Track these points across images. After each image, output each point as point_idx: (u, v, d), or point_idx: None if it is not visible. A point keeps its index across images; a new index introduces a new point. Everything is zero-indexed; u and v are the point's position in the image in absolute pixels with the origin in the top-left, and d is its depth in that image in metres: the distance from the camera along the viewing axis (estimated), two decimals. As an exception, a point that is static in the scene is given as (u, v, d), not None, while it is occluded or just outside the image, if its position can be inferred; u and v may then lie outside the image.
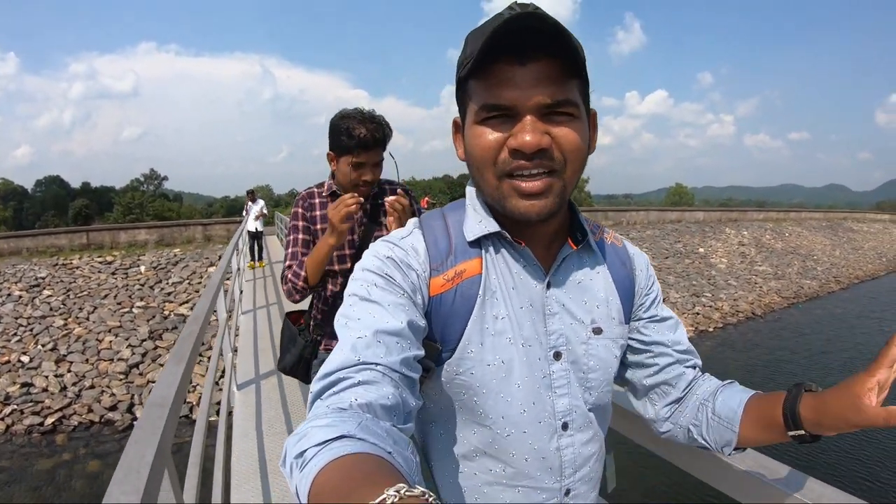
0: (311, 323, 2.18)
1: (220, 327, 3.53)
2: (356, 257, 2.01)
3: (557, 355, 0.88)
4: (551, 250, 0.90)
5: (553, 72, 0.75)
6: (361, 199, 1.88)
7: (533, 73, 0.74)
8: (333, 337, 1.27)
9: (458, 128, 0.89)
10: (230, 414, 3.07)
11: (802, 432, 0.80)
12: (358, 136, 1.98)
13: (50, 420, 9.51)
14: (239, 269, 7.83)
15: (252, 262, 12.53)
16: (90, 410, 9.72)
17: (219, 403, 3.24)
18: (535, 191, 0.78)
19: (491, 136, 0.78)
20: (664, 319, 1.00)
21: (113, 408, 9.77)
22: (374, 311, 0.76)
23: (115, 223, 29.00)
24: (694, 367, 1.00)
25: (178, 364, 1.65)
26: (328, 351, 1.97)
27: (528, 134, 0.74)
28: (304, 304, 2.24)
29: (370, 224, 2.13)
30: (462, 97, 0.84)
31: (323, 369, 0.70)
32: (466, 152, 0.85)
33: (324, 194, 2.14)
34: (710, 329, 16.35)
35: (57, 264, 15.35)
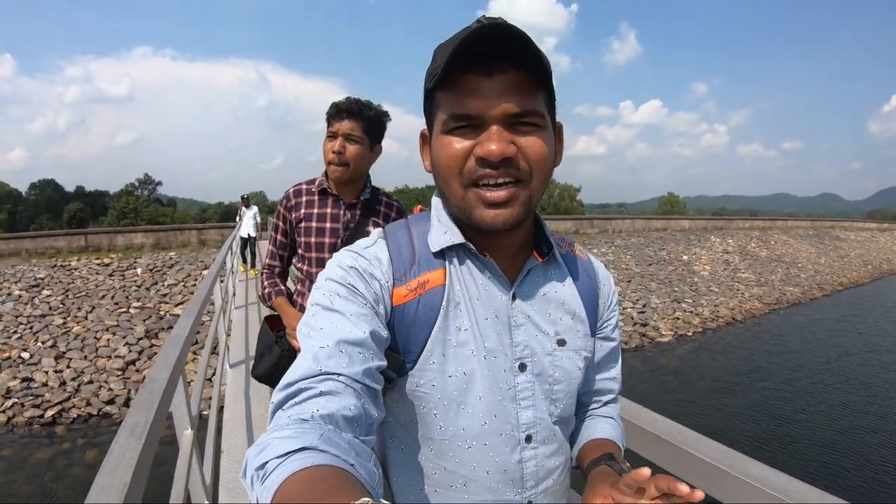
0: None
1: (216, 312, 4.00)
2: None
3: (522, 367, 0.88)
4: (516, 262, 0.91)
5: (519, 82, 0.76)
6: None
7: (499, 83, 0.76)
8: None
9: (426, 139, 0.90)
10: (221, 410, 3.40)
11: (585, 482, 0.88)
12: (331, 108, 2.02)
13: (50, 413, 9.86)
14: (232, 268, 8.28)
15: (244, 266, 12.82)
16: (88, 404, 10.10)
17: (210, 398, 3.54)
18: (499, 200, 0.78)
19: (458, 145, 0.79)
20: (612, 343, 1.03)
21: (110, 402, 10.16)
22: (336, 320, 0.76)
23: (110, 227, 29.30)
24: (607, 401, 1.06)
25: (175, 346, 1.93)
26: None
27: (493, 143, 0.75)
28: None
29: (357, 228, 2.10)
30: (430, 108, 0.85)
31: (285, 379, 0.70)
32: (433, 162, 0.86)
33: (312, 190, 2.13)
34: (689, 333, 16.72)
35: (56, 265, 15.70)
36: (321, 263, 2.04)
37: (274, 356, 2.12)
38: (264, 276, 2.23)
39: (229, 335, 4.91)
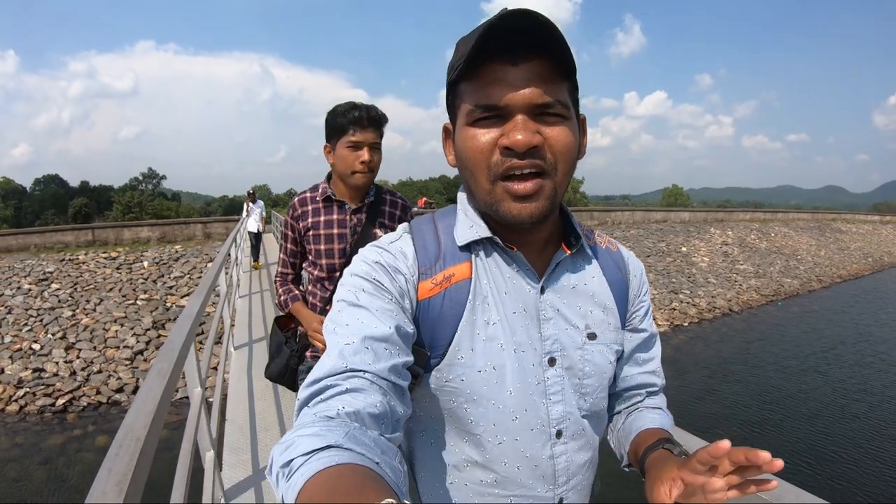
0: (300, 329, 2.22)
1: (220, 297, 4.32)
2: (345, 265, 1.92)
3: (552, 361, 0.87)
4: (544, 255, 0.90)
5: (544, 72, 0.75)
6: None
7: (524, 72, 0.75)
8: None
9: (449, 133, 0.89)
10: (225, 397, 3.68)
11: (644, 471, 0.85)
12: (352, 116, 2.00)
13: (61, 401, 10.21)
14: (236, 259, 8.60)
15: (255, 262, 13.03)
16: (98, 392, 10.46)
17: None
18: (527, 192, 0.78)
19: (483, 137, 0.78)
20: (643, 334, 1.00)
21: (119, 390, 10.52)
22: (362, 316, 0.76)
23: (117, 221, 29.66)
24: (649, 392, 1.03)
25: (183, 328, 2.08)
26: (315, 358, 2.11)
27: (519, 132, 0.75)
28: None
29: (365, 231, 2.12)
30: (453, 101, 0.84)
31: (311, 376, 0.70)
32: (458, 156, 0.84)
33: (317, 199, 2.14)
34: (686, 324, 16.99)
35: (64, 259, 16.05)
36: (332, 269, 2.09)
37: (283, 357, 2.16)
38: (278, 283, 2.25)
39: (233, 325, 5.25)
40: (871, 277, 28.70)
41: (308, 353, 2.17)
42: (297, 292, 2.21)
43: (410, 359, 0.77)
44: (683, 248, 24.96)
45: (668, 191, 71.46)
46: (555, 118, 0.77)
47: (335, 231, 2.10)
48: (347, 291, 0.80)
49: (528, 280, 0.87)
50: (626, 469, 0.97)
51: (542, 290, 0.88)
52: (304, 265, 2.24)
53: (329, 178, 2.16)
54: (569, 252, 0.89)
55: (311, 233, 2.11)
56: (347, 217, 2.12)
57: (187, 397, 2.35)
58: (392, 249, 0.86)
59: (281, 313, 2.29)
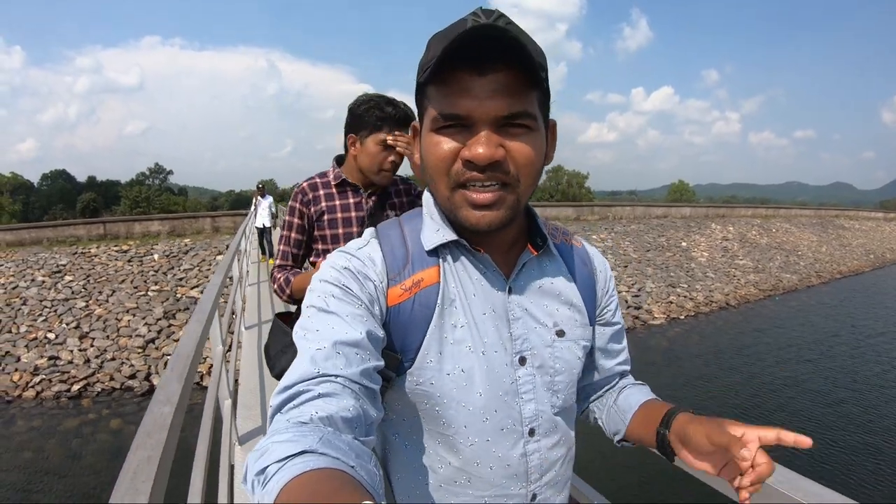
0: None
1: (234, 282, 4.74)
2: None
3: (522, 360, 0.88)
4: (511, 256, 0.91)
5: (511, 82, 0.75)
6: None
7: (491, 83, 0.74)
8: None
9: (416, 133, 0.89)
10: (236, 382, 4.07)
11: (667, 432, 0.88)
12: (390, 114, 1.96)
13: (76, 387, 10.67)
14: (246, 250, 9.05)
15: (264, 257, 13.28)
16: (112, 379, 10.92)
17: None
18: (485, 202, 0.78)
19: (446, 145, 0.78)
20: (615, 327, 1.05)
21: (132, 376, 10.98)
22: (332, 322, 0.76)
23: (125, 216, 30.14)
24: (623, 374, 1.09)
25: (200, 318, 2.22)
26: None
27: (481, 146, 0.75)
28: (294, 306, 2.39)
29: (377, 215, 2.08)
30: (421, 102, 0.84)
31: (282, 382, 0.70)
32: (422, 159, 0.85)
33: (331, 183, 2.09)
34: (682, 317, 17.29)
35: (76, 253, 16.51)
36: None
37: (292, 354, 2.26)
38: (276, 272, 2.13)
39: (244, 309, 5.71)
40: (871, 274, 28.76)
41: None
42: (295, 270, 2.11)
43: (381, 363, 0.78)
44: (683, 244, 25.17)
45: (674, 186, 71.34)
46: (520, 129, 0.77)
47: (353, 214, 2.08)
48: (317, 297, 0.81)
49: (495, 281, 0.89)
50: (619, 444, 1.02)
51: (510, 291, 0.90)
52: (310, 257, 2.17)
53: (339, 162, 2.13)
54: (535, 253, 0.91)
55: (326, 217, 2.06)
56: (363, 200, 2.09)
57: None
58: (360, 255, 0.87)
59: (281, 310, 2.21)
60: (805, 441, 0.71)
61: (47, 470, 8.33)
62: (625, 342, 1.09)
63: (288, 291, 2.04)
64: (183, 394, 1.37)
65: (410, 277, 0.86)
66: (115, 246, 17.27)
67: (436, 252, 0.88)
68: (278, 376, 2.04)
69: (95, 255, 16.40)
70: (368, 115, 1.97)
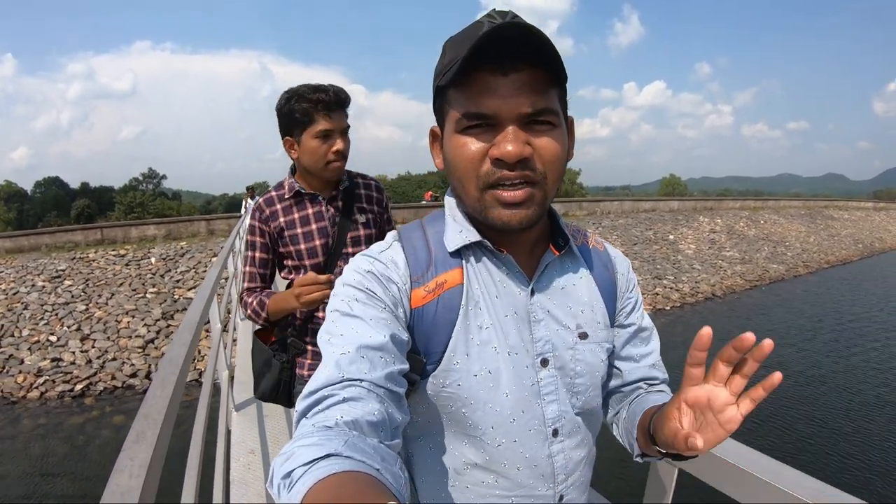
0: (290, 332, 2.00)
1: (229, 280, 5.13)
2: (330, 258, 1.94)
3: (545, 362, 0.88)
4: (533, 257, 0.91)
5: (534, 81, 0.76)
6: (328, 291, 1.69)
7: (514, 82, 0.75)
8: (314, 346, 1.59)
9: (436, 137, 0.89)
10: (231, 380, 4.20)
11: (659, 449, 0.84)
12: (317, 100, 1.81)
13: (79, 387, 11.07)
14: (239, 249, 9.39)
15: None
16: (113, 378, 11.32)
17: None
18: (516, 200, 0.78)
19: (473, 146, 0.78)
20: (641, 330, 1.01)
21: (133, 375, 11.39)
22: (356, 326, 0.76)
23: (121, 221, 30.40)
24: (650, 385, 1.02)
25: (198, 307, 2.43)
26: (313, 370, 1.83)
27: (510, 143, 0.75)
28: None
29: (343, 221, 1.97)
30: (441, 106, 0.84)
31: (308, 387, 0.70)
32: (447, 162, 0.85)
33: (286, 196, 1.95)
34: (668, 308, 17.78)
35: (75, 258, 16.79)
36: (318, 268, 1.92)
37: (275, 371, 1.97)
38: (245, 296, 2.00)
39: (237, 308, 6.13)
40: (859, 263, 29.23)
41: (306, 364, 1.98)
42: (267, 291, 1.98)
43: (406, 366, 0.78)
44: (671, 236, 25.52)
45: (666, 181, 71.68)
46: (545, 126, 0.78)
47: (314, 226, 1.94)
48: (340, 301, 0.81)
49: (517, 283, 0.89)
50: (639, 459, 0.96)
51: (532, 293, 0.89)
52: (281, 272, 2.05)
53: (293, 171, 1.99)
54: (557, 254, 0.91)
55: (286, 233, 1.93)
56: (324, 208, 1.96)
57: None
58: (383, 258, 0.86)
59: (258, 326, 2.07)
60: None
61: (54, 464, 8.73)
62: (651, 347, 1.02)
63: (264, 315, 1.92)
64: (186, 359, 1.63)
65: (434, 279, 0.86)
66: (113, 250, 17.56)
67: (459, 254, 0.88)
68: (260, 397, 2.05)
69: (94, 260, 16.70)
70: (297, 111, 1.83)
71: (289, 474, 0.55)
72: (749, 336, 0.66)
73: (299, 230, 1.94)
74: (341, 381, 0.70)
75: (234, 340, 5.15)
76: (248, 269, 1.99)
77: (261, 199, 1.98)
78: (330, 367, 0.72)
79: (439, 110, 0.85)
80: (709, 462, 1.06)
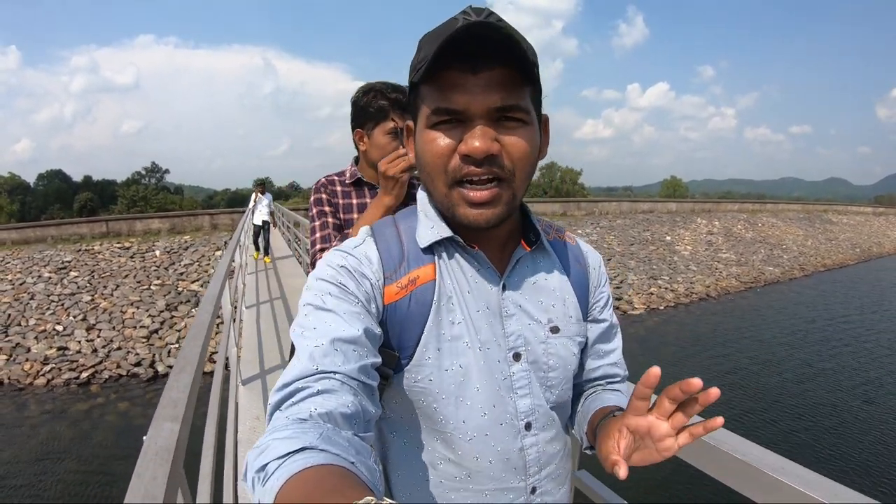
0: None
1: (236, 272, 5.46)
2: None
3: (517, 356, 0.89)
4: (505, 252, 0.91)
5: (505, 79, 0.76)
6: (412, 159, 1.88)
7: (484, 79, 0.75)
8: None
9: (411, 132, 0.90)
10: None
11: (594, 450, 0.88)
12: (394, 99, 1.85)
13: (84, 375, 11.35)
14: (245, 244, 9.74)
15: (257, 253, 12.96)
16: (118, 366, 11.61)
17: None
18: (483, 200, 0.79)
19: (442, 141, 0.79)
20: (603, 325, 1.02)
21: (138, 364, 11.69)
22: (329, 319, 0.76)
23: (126, 214, 30.73)
24: (609, 383, 1.04)
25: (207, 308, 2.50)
26: None
27: (477, 140, 0.76)
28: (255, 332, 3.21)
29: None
30: (415, 101, 0.84)
31: (281, 380, 0.70)
32: (418, 157, 0.85)
33: (346, 182, 1.97)
34: (661, 307, 17.96)
35: (80, 250, 17.16)
36: None
37: None
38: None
39: (244, 295, 6.48)
40: (856, 267, 29.21)
41: None
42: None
43: (379, 360, 0.78)
44: (668, 238, 25.73)
45: (667, 182, 71.50)
46: (514, 123, 0.78)
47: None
48: (314, 295, 0.81)
49: (489, 278, 0.89)
50: (589, 451, 0.96)
51: (504, 288, 0.89)
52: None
53: (356, 161, 2.01)
54: (528, 249, 0.91)
55: (342, 216, 1.95)
56: None
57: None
58: (356, 254, 0.87)
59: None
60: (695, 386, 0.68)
61: (60, 447, 8.99)
62: (615, 343, 1.05)
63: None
64: (207, 333, 1.93)
65: (406, 275, 0.86)
66: (118, 243, 17.91)
67: (431, 249, 0.88)
68: None
69: (99, 252, 17.06)
70: (372, 105, 1.85)
71: (263, 468, 0.56)
72: (696, 381, 0.66)
73: (354, 215, 1.95)
74: (315, 374, 0.70)
75: (241, 326, 5.54)
76: (320, 233, 1.89)
77: (323, 179, 1.99)
78: (304, 359, 0.72)
79: (413, 105, 0.86)
80: (722, 459, 1.05)
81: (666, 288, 19.57)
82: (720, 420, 0.69)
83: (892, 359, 13.48)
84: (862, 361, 13.27)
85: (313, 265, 1.83)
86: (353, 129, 1.92)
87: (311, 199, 1.96)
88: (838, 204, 49.33)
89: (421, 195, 0.94)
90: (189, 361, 1.57)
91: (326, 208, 1.93)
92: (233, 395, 3.01)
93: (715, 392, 0.66)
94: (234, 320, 4.15)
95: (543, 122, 0.88)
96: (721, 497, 1.40)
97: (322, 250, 1.87)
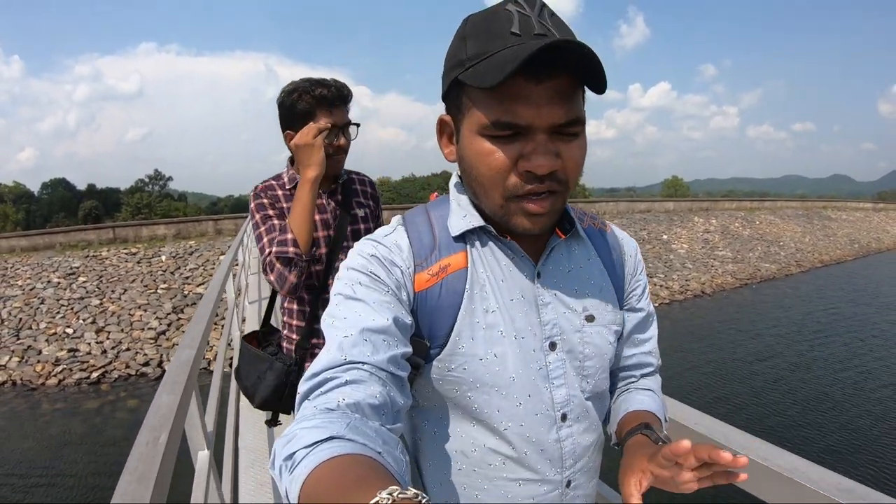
0: (289, 327, 1.93)
1: (239, 269, 5.83)
2: (332, 250, 1.87)
3: (553, 346, 0.87)
4: (539, 241, 0.89)
5: (567, 88, 0.74)
6: (323, 124, 1.72)
7: (548, 90, 0.72)
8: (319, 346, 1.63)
9: (446, 127, 0.86)
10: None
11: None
12: (319, 95, 1.79)
13: (95, 374, 11.89)
14: (247, 245, 10.07)
15: None
16: (127, 366, 12.13)
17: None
18: (541, 211, 0.78)
19: (501, 155, 0.76)
20: (640, 314, 1.00)
21: (146, 364, 12.22)
22: (359, 309, 0.76)
23: (132, 221, 31.14)
24: (644, 374, 1.04)
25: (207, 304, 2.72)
26: None
27: (542, 157, 0.74)
28: (256, 324, 3.02)
29: (343, 215, 1.92)
30: (459, 98, 0.80)
31: (310, 370, 0.71)
32: (466, 162, 0.82)
33: (286, 186, 1.89)
34: (656, 304, 17.89)
35: (88, 256, 17.60)
36: (319, 261, 1.84)
37: (276, 372, 1.85)
38: (273, 251, 1.72)
39: (247, 288, 6.85)
40: (853, 263, 29.43)
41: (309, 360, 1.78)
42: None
43: (409, 349, 0.78)
44: (664, 236, 25.95)
45: (668, 182, 70.97)
46: (572, 136, 0.77)
47: (316, 218, 1.84)
48: (344, 285, 0.80)
49: (523, 266, 0.87)
50: (616, 447, 0.95)
51: (539, 276, 0.88)
52: None
53: (292, 162, 1.93)
54: (563, 237, 0.89)
55: (286, 220, 1.79)
56: (325, 201, 1.92)
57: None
58: (387, 242, 0.86)
59: (250, 331, 2.07)
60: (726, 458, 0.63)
61: (73, 441, 9.49)
62: (651, 332, 1.03)
63: (290, 236, 1.72)
64: (208, 325, 2.16)
65: (437, 263, 0.85)
66: (125, 249, 18.34)
67: (463, 238, 0.87)
68: (260, 406, 1.92)
69: (106, 258, 17.49)
70: (299, 104, 1.79)
71: (291, 456, 0.56)
72: (726, 455, 0.62)
73: None
74: (344, 364, 0.70)
75: (244, 316, 5.92)
76: (268, 236, 1.75)
77: (260, 186, 1.90)
78: (333, 349, 0.72)
79: (455, 102, 0.82)
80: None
81: (661, 285, 19.90)
82: (744, 476, 0.67)
83: (884, 349, 13.95)
84: (852, 350, 13.79)
85: (266, 270, 1.75)
86: (283, 131, 1.88)
87: (252, 205, 1.87)
88: (838, 200, 49.00)
89: (453, 185, 0.92)
90: (191, 343, 1.84)
91: (270, 211, 1.83)
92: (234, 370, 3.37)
93: (743, 461, 0.63)
94: (238, 307, 4.50)
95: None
96: (720, 496, 1.41)
97: (276, 251, 1.73)
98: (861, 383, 11.57)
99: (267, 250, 1.73)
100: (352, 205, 1.96)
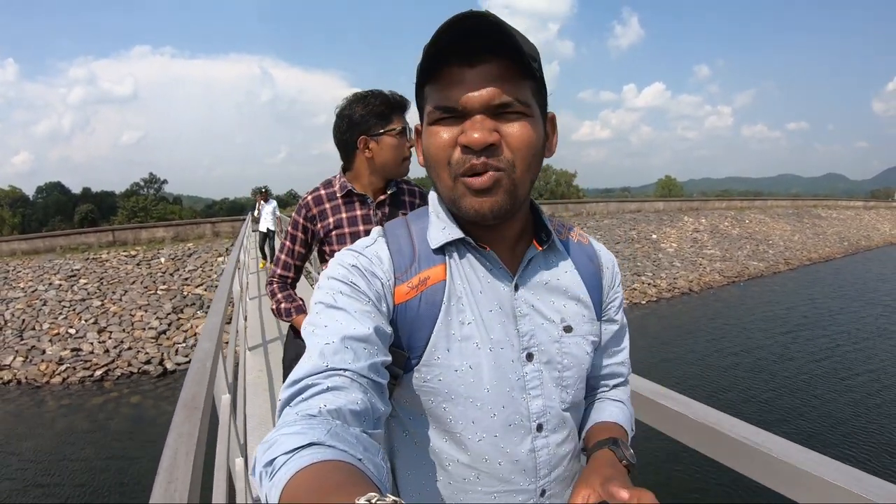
0: None
1: (240, 270, 6.29)
2: None
3: (530, 356, 0.88)
4: (517, 252, 0.91)
5: (502, 72, 0.76)
6: None
7: (482, 73, 0.76)
8: None
9: (419, 134, 0.89)
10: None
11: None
12: (395, 101, 1.90)
13: (98, 373, 12.22)
14: (246, 246, 10.45)
15: (264, 262, 12.98)
16: (130, 364, 12.49)
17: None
18: (483, 186, 0.79)
19: (444, 134, 0.80)
20: (615, 326, 1.02)
21: (147, 362, 12.59)
22: (340, 317, 0.77)
23: (131, 224, 31.48)
24: (616, 384, 1.06)
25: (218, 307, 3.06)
26: None
27: (476, 131, 0.76)
28: (256, 319, 4.09)
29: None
30: (420, 103, 0.86)
31: (291, 376, 0.71)
32: (425, 155, 0.86)
33: (336, 194, 1.99)
34: (643, 302, 18.75)
35: (88, 258, 17.95)
36: None
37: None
38: (276, 286, 2.11)
39: (248, 289, 7.32)
40: (842, 260, 29.67)
41: None
42: (300, 302, 2.10)
43: (389, 358, 0.79)
44: (654, 236, 26.31)
45: (662, 182, 70.99)
46: (514, 116, 0.78)
47: (361, 228, 1.98)
48: (325, 294, 0.81)
49: (501, 278, 0.88)
50: (583, 452, 0.97)
51: (516, 288, 0.89)
52: (322, 267, 2.08)
53: (344, 171, 2.04)
54: (540, 248, 0.91)
55: (334, 233, 1.98)
56: (371, 212, 2.00)
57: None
58: (368, 254, 0.87)
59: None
60: None
61: (79, 435, 9.82)
62: (624, 343, 1.06)
63: (287, 320, 2.08)
64: (221, 325, 2.49)
65: (417, 275, 0.86)
66: (124, 251, 18.70)
67: (442, 250, 0.88)
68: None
69: (106, 260, 17.85)
70: (374, 110, 1.89)
71: (271, 462, 0.56)
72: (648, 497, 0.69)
73: (347, 230, 1.98)
74: (325, 371, 0.70)
75: (246, 312, 6.43)
76: (283, 257, 2.08)
77: (309, 197, 2.01)
78: (314, 356, 0.72)
79: (419, 107, 0.87)
80: (761, 462, 1.05)
81: (649, 283, 20.27)
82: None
83: (869, 342, 14.38)
84: (834, 343, 14.17)
85: (269, 284, 2.12)
86: (355, 138, 1.94)
87: (293, 214, 2.04)
88: (829, 199, 49.32)
89: (432, 196, 0.94)
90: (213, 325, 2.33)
91: (300, 234, 2.02)
92: (242, 355, 3.83)
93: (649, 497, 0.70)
94: (242, 301, 4.97)
95: (550, 119, 0.89)
96: (760, 497, 1.43)
97: (279, 277, 2.10)
98: (841, 372, 12.01)
99: (278, 272, 2.08)
100: (398, 216, 2.24)
